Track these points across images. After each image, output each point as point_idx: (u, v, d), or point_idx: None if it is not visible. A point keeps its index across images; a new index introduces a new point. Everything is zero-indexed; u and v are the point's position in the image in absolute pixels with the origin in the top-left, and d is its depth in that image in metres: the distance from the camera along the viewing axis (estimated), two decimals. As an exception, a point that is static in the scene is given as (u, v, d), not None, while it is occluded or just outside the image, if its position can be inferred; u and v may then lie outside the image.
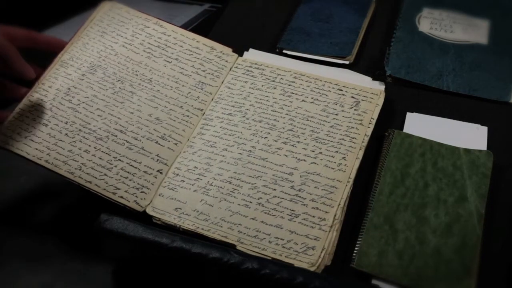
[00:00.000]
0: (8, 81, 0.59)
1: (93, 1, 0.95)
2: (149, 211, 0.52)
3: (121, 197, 0.53)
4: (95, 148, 0.55)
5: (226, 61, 0.63)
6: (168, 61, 0.62)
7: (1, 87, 0.58)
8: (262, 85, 0.61)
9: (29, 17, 0.85)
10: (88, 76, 0.60)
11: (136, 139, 0.56)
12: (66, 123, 0.57)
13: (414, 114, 0.59)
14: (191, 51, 0.63)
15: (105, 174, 0.54)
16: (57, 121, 0.57)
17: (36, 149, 0.55)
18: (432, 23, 0.69)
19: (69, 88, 0.59)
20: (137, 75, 0.60)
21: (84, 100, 0.58)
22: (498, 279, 0.46)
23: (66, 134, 0.56)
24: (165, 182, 0.54)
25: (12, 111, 0.57)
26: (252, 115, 0.58)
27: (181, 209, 0.52)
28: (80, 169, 0.54)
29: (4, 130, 0.56)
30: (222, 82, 0.61)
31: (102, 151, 0.55)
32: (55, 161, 0.54)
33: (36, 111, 0.57)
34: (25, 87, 0.59)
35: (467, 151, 0.53)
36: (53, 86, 0.59)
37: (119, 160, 0.55)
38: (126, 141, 0.56)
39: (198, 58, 0.62)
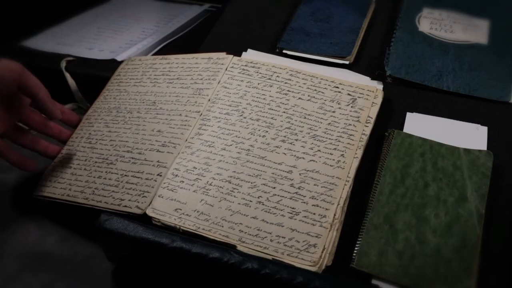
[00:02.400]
0: (31, 133, 0.61)
1: (93, 1, 0.95)
2: (149, 212, 0.52)
3: (125, 206, 0.53)
4: (106, 172, 0.57)
5: (222, 64, 0.63)
6: (170, 82, 0.64)
7: (21, 136, 0.60)
8: (258, 83, 0.61)
9: (29, 17, 0.86)
10: (105, 118, 0.63)
11: (140, 153, 0.57)
12: (85, 160, 0.59)
13: (414, 114, 0.58)
14: (190, 68, 0.65)
15: (112, 191, 0.55)
16: (78, 161, 0.60)
17: (61, 188, 0.57)
18: (432, 23, 0.69)
19: (90, 133, 0.62)
20: (143, 102, 0.63)
21: (101, 137, 0.61)
22: (498, 279, 0.46)
23: (84, 169, 0.59)
24: (164, 183, 0.54)
25: (35, 160, 0.59)
26: (249, 113, 0.58)
27: (181, 209, 0.52)
28: (93, 193, 0.55)
29: (41, 182, 0.59)
30: (219, 82, 0.62)
31: (112, 173, 0.57)
32: (74, 193, 0.56)
33: (64, 159, 0.61)
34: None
35: (467, 151, 0.53)
36: (78, 136, 0.63)
37: (125, 175, 0.56)
38: (132, 157, 0.57)
39: (197, 71, 0.64)
